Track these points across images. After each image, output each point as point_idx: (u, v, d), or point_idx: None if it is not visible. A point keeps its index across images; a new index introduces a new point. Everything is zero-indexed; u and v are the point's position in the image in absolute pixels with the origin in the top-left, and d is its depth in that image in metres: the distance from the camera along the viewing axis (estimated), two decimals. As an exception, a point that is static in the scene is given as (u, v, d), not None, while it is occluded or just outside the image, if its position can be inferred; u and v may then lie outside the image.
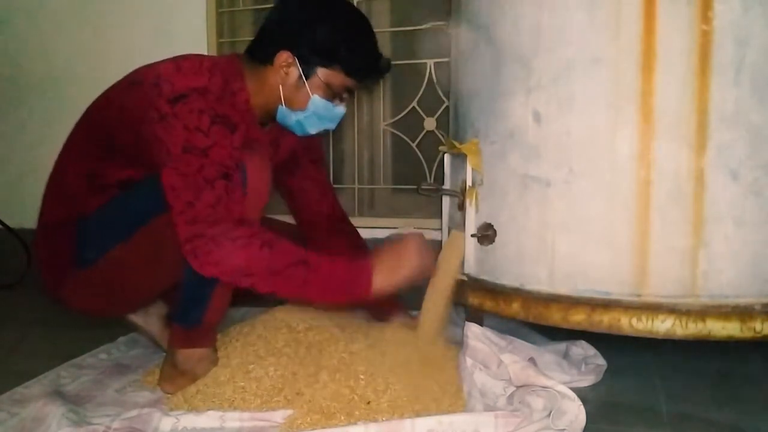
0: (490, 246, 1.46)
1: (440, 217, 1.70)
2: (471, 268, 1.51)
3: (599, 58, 1.31)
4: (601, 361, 1.50)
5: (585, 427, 1.14)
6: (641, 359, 1.56)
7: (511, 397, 1.23)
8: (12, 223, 2.61)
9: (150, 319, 1.58)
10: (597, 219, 1.33)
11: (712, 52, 1.25)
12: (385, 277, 1.30)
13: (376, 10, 2.38)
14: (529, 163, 1.39)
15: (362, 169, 2.41)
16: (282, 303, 1.60)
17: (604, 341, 1.44)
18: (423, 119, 2.31)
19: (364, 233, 2.30)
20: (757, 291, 1.29)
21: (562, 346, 1.54)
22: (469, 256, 1.51)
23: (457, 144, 1.52)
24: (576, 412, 1.15)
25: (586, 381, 1.43)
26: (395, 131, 2.37)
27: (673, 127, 1.28)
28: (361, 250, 1.70)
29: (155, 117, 1.29)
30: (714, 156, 1.27)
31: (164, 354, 1.47)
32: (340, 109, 1.47)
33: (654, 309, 1.29)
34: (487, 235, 1.46)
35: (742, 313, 1.27)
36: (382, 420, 1.19)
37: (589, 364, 1.48)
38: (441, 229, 1.69)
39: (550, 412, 1.14)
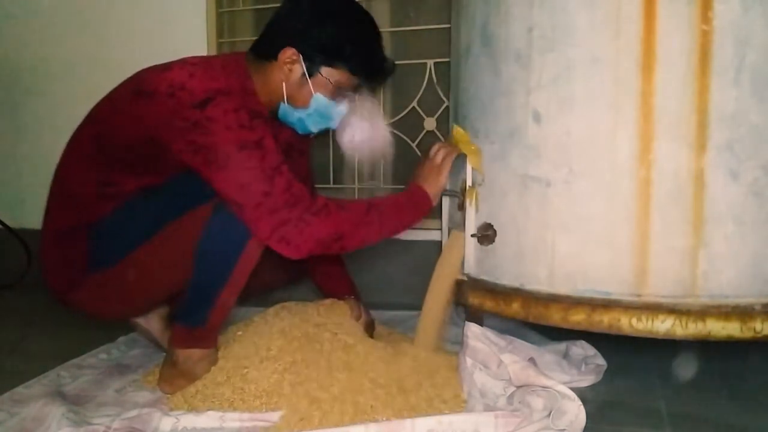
0: (490, 246, 1.46)
1: (440, 217, 1.70)
2: (471, 268, 1.51)
3: (599, 58, 1.31)
4: (601, 361, 1.50)
5: (585, 427, 1.14)
6: (641, 359, 1.56)
7: (511, 397, 1.23)
8: (12, 223, 2.61)
9: (151, 319, 1.58)
10: (597, 219, 1.33)
11: (712, 52, 1.25)
12: (433, 183, 1.48)
13: (376, 10, 2.37)
14: (529, 163, 1.39)
15: (362, 169, 2.41)
16: (281, 302, 1.60)
17: (604, 341, 1.44)
18: (423, 119, 2.31)
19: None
20: (757, 291, 1.29)
21: (562, 346, 1.55)
22: (469, 256, 1.51)
23: (458, 142, 1.51)
24: (576, 412, 1.15)
25: (586, 381, 1.43)
26: (395, 131, 2.37)
27: (673, 127, 1.28)
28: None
29: (184, 126, 1.27)
30: (714, 156, 1.27)
31: (164, 354, 1.47)
32: (342, 109, 1.47)
33: (654, 309, 1.29)
34: (487, 235, 1.46)
35: (742, 313, 1.27)
36: (382, 420, 1.19)
37: (589, 364, 1.48)
38: (441, 229, 1.69)
39: (550, 412, 1.15)
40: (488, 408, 1.23)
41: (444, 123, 2.24)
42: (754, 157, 1.27)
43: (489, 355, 1.31)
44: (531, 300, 1.39)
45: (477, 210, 1.49)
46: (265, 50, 1.42)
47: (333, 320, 1.50)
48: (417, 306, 1.98)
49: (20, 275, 2.51)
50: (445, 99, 2.25)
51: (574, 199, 1.35)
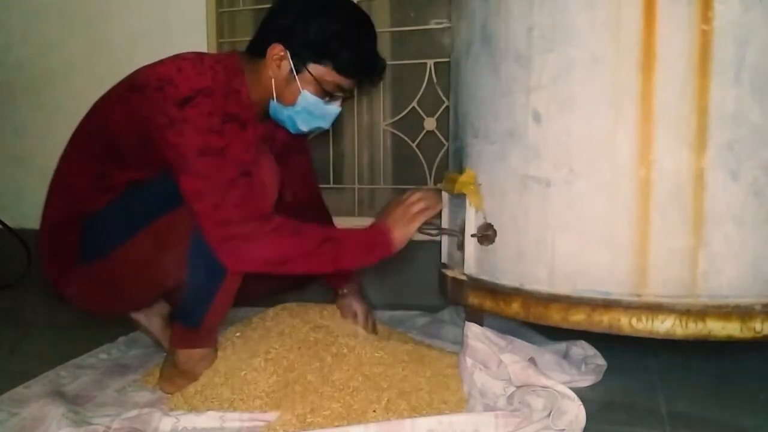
0: (490, 246, 1.46)
1: (440, 217, 1.70)
2: (471, 268, 1.51)
3: (599, 58, 1.31)
4: (601, 361, 1.50)
5: (585, 426, 1.14)
6: (641, 359, 1.56)
7: (511, 397, 1.23)
8: (12, 223, 2.61)
9: (152, 318, 1.58)
10: (597, 219, 1.33)
11: (712, 52, 1.25)
12: (401, 230, 1.41)
13: (376, 10, 2.37)
14: (529, 163, 1.39)
15: (362, 169, 2.41)
16: (282, 303, 1.60)
17: (604, 341, 1.44)
18: (423, 119, 2.31)
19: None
20: (757, 291, 1.28)
21: (562, 346, 1.55)
22: (469, 256, 1.51)
23: (457, 184, 1.50)
24: (576, 412, 1.15)
25: (586, 381, 1.43)
26: (395, 131, 2.37)
27: (673, 127, 1.28)
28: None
29: (165, 122, 1.29)
30: (714, 156, 1.27)
31: (164, 354, 1.47)
32: (334, 108, 1.46)
33: (654, 309, 1.29)
34: (487, 235, 1.46)
35: (742, 313, 1.27)
36: (382, 420, 1.19)
37: (589, 364, 1.48)
38: (440, 229, 1.69)
39: (550, 412, 1.15)
40: (488, 408, 1.23)
41: (444, 123, 2.24)
42: (754, 157, 1.27)
43: (489, 355, 1.31)
44: (531, 300, 1.39)
45: (477, 210, 1.49)
46: (257, 48, 1.42)
47: (334, 322, 1.50)
48: (417, 306, 1.98)
49: (20, 275, 2.51)
50: (445, 99, 2.25)
51: (574, 199, 1.35)
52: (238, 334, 1.48)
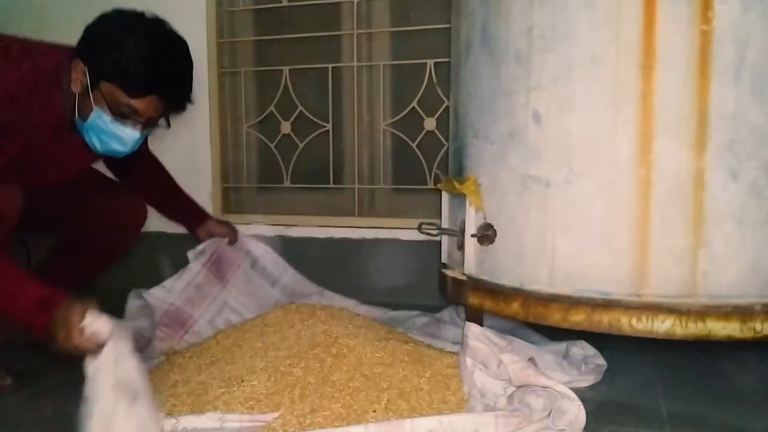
0: (490, 246, 1.46)
1: (440, 217, 1.70)
2: (471, 268, 1.51)
3: (599, 58, 1.31)
4: (601, 361, 1.50)
5: (585, 426, 1.14)
6: (641, 359, 1.56)
7: (511, 397, 1.23)
8: (12, 223, 2.60)
9: None
10: (597, 219, 1.33)
11: (712, 52, 1.25)
12: (54, 332, 1.24)
13: (376, 9, 2.38)
14: (529, 163, 1.39)
15: (362, 169, 2.41)
16: (282, 304, 1.60)
17: (604, 341, 1.44)
18: (423, 119, 2.31)
19: (365, 233, 2.31)
20: (757, 291, 1.28)
21: (562, 346, 1.54)
22: (469, 256, 1.51)
23: (457, 185, 1.51)
24: (576, 412, 1.15)
25: (586, 381, 1.43)
26: (395, 131, 2.37)
27: (673, 127, 1.28)
28: (164, 183, 1.84)
29: None
30: (714, 156, 1.27)
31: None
32: (130, 132, 1.42)
33: (654, 309, 1.29)
34: (487, 235, 1.46)
35: (742, 313, 1.27)
36: (382, 420, 1.19)
37: (589, 364, 1.48)
38: (440, 229, 1.69)
39: (550, 412, 1.14)
40: (488, 408, 1.23)
41: (444, 123, 2.24)
42: (754, 157, 1.27)
43: (489, 355, 1.31)
44: (531, 300, 1.39)
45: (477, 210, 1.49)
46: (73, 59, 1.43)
47: (333, 323, 1.50)
48: (417, 306, 1.98)
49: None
50: (445, 99, 2.25)
51: (574, 199, 1.34)
52: (238, 335, 1.48)
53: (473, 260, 1.51)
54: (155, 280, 1.78)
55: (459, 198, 1.53)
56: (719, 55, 1.25)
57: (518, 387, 1.23)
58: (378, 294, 2.11)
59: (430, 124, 2.30)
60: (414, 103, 2.32)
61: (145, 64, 1.38)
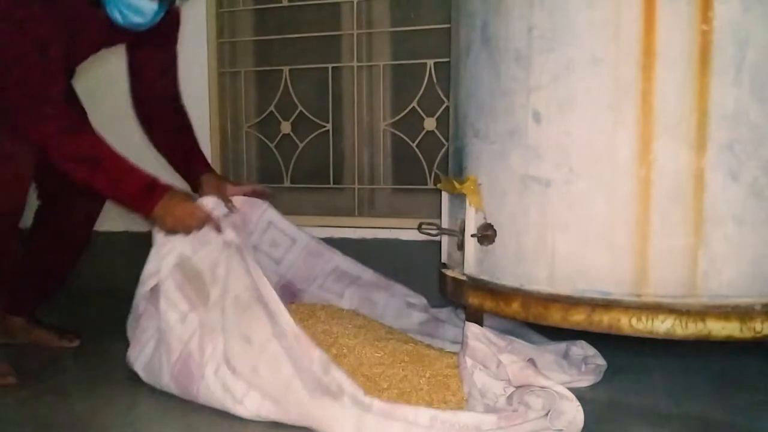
0: (490, 246, 1.46)
1: (440, 217, 1.70)
2: (471, 268, 1.51)
3: (599, 58, 1.30)
4: (601, 361, 1.50)
5: (585, 426, 1.14)
6: (641, 359, 1.56)
7: (510, 397, 1.23)
8: (12, 223, 2.60)
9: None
10: (597, 219, 1.33)
11: (712, 52, 1.25)
12: (164, 216, 1.42)
13: (376, 9, 2.38)
14: (529, 163, 1.39)
15: (362, 169, 2.41)
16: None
17: (604, 341, 1.44)
18: (423, 119, 2.31)
19: (365, 233, 2.31)
20: (757, 291, 1.28)
21: (562, 346, 1.54)
22: (469, 256, 1.51)
23: (457, 185, 1.51)
24: (574, 412, 1.15)
25: (586, 381, 1.43)
26: (395, 131, 2.37)
27: (673, 127, 1.28)
28: (182, 132, 1.74)
29: None
30: (714, 156, 1.27)
31: None
32: (149, 4, 1.44)
33: (654, 309, 1.29)
34: (487, 235, 1.45)
35: (742, 313, 1.27)
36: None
37: (589, 364, 1.48)
38: (440, 229, 1.69)
39: (548, 412, 1.14)
40: (488, 408, 1.22)
41: (444, 123, 2.24)
42: (754, 157, 1.27)
43: (488, 355, 1.31)
44: (531, 300, 1.39)
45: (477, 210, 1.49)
46: None
47: (333, 323, 1.50)
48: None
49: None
50: (445, 99, 2.25)
51: (574, 199, 1.34)
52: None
53: (473, 260, 1.51)
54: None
55: (459, 198, 1.53)
56: (719, 55, 1.25)
57: (517, 387, 1.23)
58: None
59: (430, 124, 2.30)
60: (414, 103, 2.32)
61: None
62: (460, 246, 1.53)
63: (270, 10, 2.47)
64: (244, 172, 2.54)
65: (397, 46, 2.37)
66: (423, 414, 1.13)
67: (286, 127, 2.45)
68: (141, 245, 2.07)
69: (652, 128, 1.28)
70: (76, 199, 1.69)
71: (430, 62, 2.28)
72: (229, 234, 1.42)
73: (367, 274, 1.82)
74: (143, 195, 1.41)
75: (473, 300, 1.50)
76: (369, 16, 2.38)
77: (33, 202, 1.73)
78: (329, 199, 2.45)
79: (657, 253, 1.29)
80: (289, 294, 1.73)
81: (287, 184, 2.47)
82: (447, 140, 2.11)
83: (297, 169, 2.46)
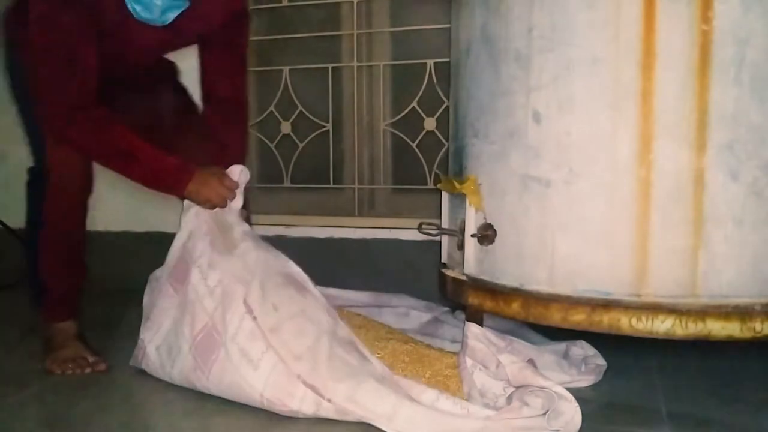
0: (490, 246, 1.46)
1: (440, 217, 1.70)
2: (471, 268, 1.51)
3: (599, 58, 1.31)
4: (601, 361, 1.49)
5: (584, 426, 1.14)
6: (641, 359, 1.56)
7: (510, 397, 1.22)
8: (12, 223, 2.61)
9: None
10: (597, 219, 1.33)
11: (712, 52, 1.25)
12: (198, 190, 1.50)
13: (376, 10, 2.38)
14: (529, 163, 1.39)
15: (362, 169, 2.41)
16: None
17: (604, 341, 1.44)
18: (423, 119, 2.31)
19: (365, 233, 2.31)
20: (757, 291, 1.28)
21: (561, 346, 1.54)
22: (469, 256, 1.51)
23: (457, 185, 1.51)
24: (572, 413, 1.15)
25: (586, 381, 1.43)
26: (395, 131, 2.37)
27: (673, 127, 1.28)
28: (230, 134, 1.75)
29: None
30: (714, 156, 1.27)
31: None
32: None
33: (654, 309, 1.29)
34: (487, 235, 1.46)
35: (742, 313, 1.27)
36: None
37: (589, 364, 1.48)
38: (440, 229, 1.69)
39: (546, 411, 1.14)
40: (488, 408, 1.22)
41: (444, 123, 2.24)
42: (754, 157, 1.27)
43: (488, 355, 1.31)
44: (531, 300, 1.39)
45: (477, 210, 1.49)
46: None
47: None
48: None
49: (20, 275, 2.51)
50: (445, 99, 2.25)
51: (574, 199, 1.34)
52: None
53: (473, 260, 1.51)
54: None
55: (459, 198, 1.53)
56: (719, 55, 1.25)
57: (517, 387, 1.23)
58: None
59: (430, 124, 2.30)
60: (414, 103, 2.32)
61: None
62: (460, 246, 1.53)
63: (270, 10, 2.47)
64: (244, 172, 2.54)
65: (397, 46, 2.37)
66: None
67: (286, 127, 2.45)
68: (141, 245, 2.07)
69: (652, 128, 1.28)
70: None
71: (430, 62, 2.28)
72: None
73: (364, 297, 1.82)
74: (177, 176, 1.50)
75: (473, 300, 1.50)
76: (369, 16, 2.38)
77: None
78: (329, 199, 2.45)
79: (657, 253, 1.30)
80: None
81: (287, 184, 2.47)
82: (447, 140, 2.11)
83: (297, 169, 2.46)
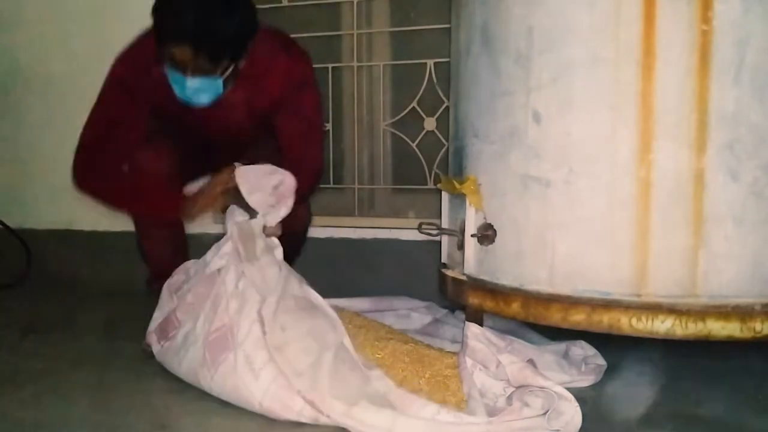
0: (490, 246, 1.46)
1: (440, 217, 1.70)
2: (471, 268, 1.51)
3: (599, 58, 1.31)
4: (601, 361, 1.49)
5: (584, 426, 1.14)
6: (641, 359, 1.56)
7: (510, 397, 1.22)
8: (12, 223, 2.61)
9: None
10: (597, 219, 1.33)
11: (712, 52, 1.25)
12: (192, 203, 1.71)
13: (376, 10, 2.38)
14: (529, 163, 1.39)
15: (362, 169, 2.41)
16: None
17: (604, 341, 1.44)
18: (423, 119, 2.31)
19: (365, 233, 2.31)
20: (757, 291, 1.28)
21: (561, 346, 1.54)
22: (469, 256, 1.51)
23: (457, 185, 1.51)
24: (572, 413, 1.14)
25: (586, 381, 1.42)
26: (395, 131, 2.37)
27: (673, 127, 1.28)
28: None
29: None
30: (714, 156, 1.27)
31: None
32: (182, 79, 1.60)
33: (654, 309, 1.29)
34: (487, 235, 1.45)
35: (742, 313, 1.27)
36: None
37: (589, 364, 1.47)
38: (440, 229, 1.69)
39: (546, 411, 1.14)
40: (488, 408, 1.22)
41: (444, 123, 2.24)
42: (754, 157, 1.27)
43: (488, 355, 1.31)
44: (531, 300, 1.39)
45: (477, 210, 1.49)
46: None
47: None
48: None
49: (20, 275, 2.51)
50: (445, 99, 2.25)
51: (574, 199, 1.35)
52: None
53: (473, 260, 1.51)
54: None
55: (459, 198, 1.53)
56: (719, 55, 1.25)
57: (517, 387, 1.23)
58: (377, 294, 2.10)
59: (430, 124, 2.30)
60: (414, 103, 2.32)
61: (161, 13, 1.57)
62: (460, 246, 1.53)
63: (270, 10, 2.47)
64: (244, 172, 2.54)
65: (397, 46, 2.37)
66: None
67: (286, 127, 2.45)
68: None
69: (652, 128, 1.28)
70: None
71: (430, 62, 2.28)
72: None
73: (367, 304, 1.82)
74: (167, 205, 1.74)
75: (473, 300, 1.50)
76: (369, 16, 2.38)
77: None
78: (329, 199, 2.45)
79: (657, 253, 1.30)
80: None
81: (287, 184, 2.47)
82: (447, 140, 2.12)
83: (297, 169, 2.46)
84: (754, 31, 1.24)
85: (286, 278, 1.41)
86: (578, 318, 1.33)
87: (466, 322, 1.40)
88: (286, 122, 1.80)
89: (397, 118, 2.36)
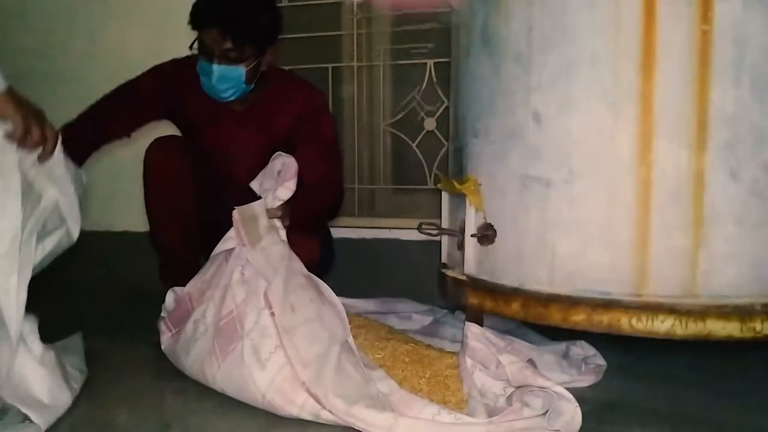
0: (490, 246, 1.46)
1: (440, 217, 1.70)
2: (471, 268, 1.51)
3: (599, 58, 1.31)
4: (601, 361, 1.49)
5: (584, 426, 1.14)
6: (641, 359, 1.56)
7: (510, 397, 1.22)
8: (12, 223, 2.60)
9: None
10: (597, 219, 1.33)
11: (712, 52, 1.25)
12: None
13: (376, 10, 2.38)
14: (529, 163, 1.39)
15: (362, 169, 2.41)
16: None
17: (604, 341, 1.44)
18: (423, 119, 2.32)
19: (365, 233, 2.32)
20: (757, 291, 1.28)
21: (561, 346, 1.54)
22: (469, 256, 1.51)
23: (457, 185, 1.51)
24: (572, 413, 1.14)
25: (586, 381, 1.42)
26: (395, 131, 2.37)
27: (673, 127, 1.28)
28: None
29: None
30: (714, 156, 1.27)
31: None
32: (210, 66, 1.71)
33: (654, 309, 1.29)
34: (487, 235, 1.45)
35: (742, 313, 1.27)
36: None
37: (589, 364, 1.47)
38: (440, 228, 1.69)
39: (546, 411, 1.14)
40: (488, 408, 1.22)
41: (444, 123, 2.24)
42: (754, 157, 1.27)
43: (488, 355, 1.31)
44: (531, 300, 1.39)
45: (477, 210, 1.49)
46: None
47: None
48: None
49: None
50: (445, 99, 2.25)
51: (574, 199, 1.35)
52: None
53: (473, 260, 1.51)
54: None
55: (459, 198, 1.53)
56: (719, 55, 1.25)
57: (517, 387, 1.23)
58: (378, 294, 2.10)
59: (430, 124, 2.31)
60: (414, 104, 2.32)
61: (198, 3, 1.72)
62: (460, 246, 1.53)
63: (270, 10, 2.47)
64: (244, 172, 2.54)
65: (397, 46, 2.37)
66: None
67: (286, 127, 2.45)
68: (141, 245, 2.07)
69: (652, 128, 1.28)
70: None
71: (430, 62, 2.28)
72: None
73: (371, 305, 1.82)
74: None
75: (473, 300, 1.50)
76: (369, 16, 2.38)
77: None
78: (329, 199, 2.45)
79: (657, 253, 1.30)
80: None
81: (287, 184, 2.47)
82: (447, 140, 2.12)
83: (297, 169, 2.46)
84: (754, 31, 1.25)
85: (290, 257, 1.41)
86: (578, 318, 1.33)
87: (466, 322, 1.40)
88: (305, 147, 1.79)
89: (397, 118, 2.37)
